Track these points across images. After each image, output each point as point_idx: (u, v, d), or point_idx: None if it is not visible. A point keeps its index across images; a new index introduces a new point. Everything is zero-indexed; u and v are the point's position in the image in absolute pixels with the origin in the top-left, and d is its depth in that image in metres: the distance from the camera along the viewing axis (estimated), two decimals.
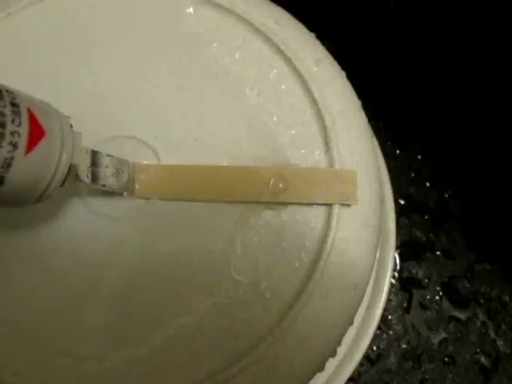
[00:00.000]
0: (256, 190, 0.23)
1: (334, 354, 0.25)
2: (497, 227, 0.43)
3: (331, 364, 0.33)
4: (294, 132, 0.24)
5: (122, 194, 0.23)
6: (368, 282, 0.25)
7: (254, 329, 0.22)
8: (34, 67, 0.25)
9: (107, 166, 0.22)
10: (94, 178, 0.21)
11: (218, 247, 0.23)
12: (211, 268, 0.23)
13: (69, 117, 0.20)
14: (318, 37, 0.28)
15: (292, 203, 0.23)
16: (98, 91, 0.25)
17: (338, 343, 0.24)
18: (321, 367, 0.24)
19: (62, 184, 0.20)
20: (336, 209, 0.23)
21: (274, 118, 0.25)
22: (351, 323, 0.25)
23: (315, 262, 0.23)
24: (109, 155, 0.22)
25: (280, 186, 0.23)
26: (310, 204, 0.23)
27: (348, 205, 0.23)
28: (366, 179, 0.25)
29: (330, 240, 0.23)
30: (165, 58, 0.25)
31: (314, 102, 0.24)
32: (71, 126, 0.20)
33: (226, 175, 0.24)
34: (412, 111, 0.45)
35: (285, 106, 0.25)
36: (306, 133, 0.24)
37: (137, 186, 0.23)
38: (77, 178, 0.21)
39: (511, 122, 0.45)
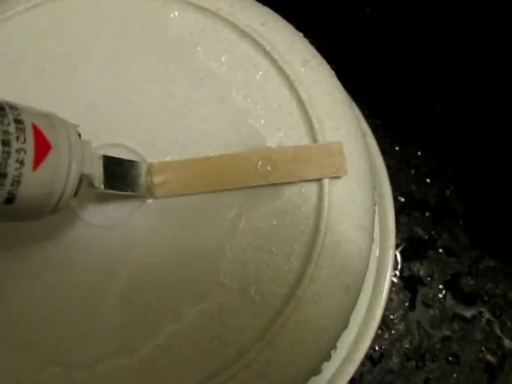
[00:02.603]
0: (245, 175, 0.23)
1: (328, 357, 0.24)
2: (500, 223, 0.43)
3: (332, 365, 0.33)
4: (281, 134, 0.24)
5: (140, 197, 0.23)
6: (362, 284, 0.25)
7: (244, 334, 0.22)
8: (20, 76, 0.25)
9: (122, 170, 0.22)
10: (110, 183, 0.21)
11: (208, 253, 0.23)
12: (200, 274, 0.23)
13: (77, 126, 0.20)
14: (312, 34, 0.27)
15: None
16: (85, 99, 0.25)
17: (333, 347, 0.24)
18: (315, 371, 0.24)
19: (76, 193, 0.20)
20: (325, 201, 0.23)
21: (262, 121, 0.24)
22: (346, 326, 0.24)
23: (304, 265, 0.22)
24: (122, 159, 0.22)
25: (268, 168, 0.23)
26: (300, 186, 0.23)
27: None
28: (356, 179, 0.25)
29: (319, 242, 0.23)
30: (151, 63, 0.25)
31: (301, 103, 0.24)
32: (79, 135, 0.20)
33: (214, 165, 0.24)
34: (411, 106, 0.45)
35: (272, 108, 0.24)
36: (293, 135, 0.24)
37: (155, 187, 0.23)
38: (92, 185, 0.21)
39: None
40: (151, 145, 0.24)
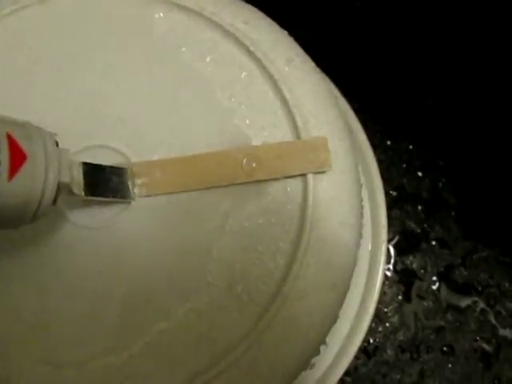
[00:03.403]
0: (231, 173, 0.24)
1: (317, 352, 0.25)
2: (492, 213, 0.43)
3: (325, 360, 0.33)
4: (266, 133, 0.24)
5: (122, 202, 0.23)
6: (349, 280, 0.25)
7: (231, 332, 0.22)
8: (6, 78, 0.25)
9: (103, 176, 0.22)
10: (91, 190, 0.22)
11: (195, 253, 0.23)
12: (188, 274, 0.23)
13: (55, 134, 0.21)
14: (302, 28, 0.27)
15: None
16: (71, 101, 0.25)
17: (321, 343, 0.24)
18: (304, 367, 0.24)
19: (55, 201, 0.20)
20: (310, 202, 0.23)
21: (247, 121, 0.24)
22: (334, 322, 0.25)
23: (290, 263, 0.23)
24: (103, 165, 0.22)
25: (253, 165, 0.24)
26: (285, 184, 0.24)
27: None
28: (342, 177, 0.25)
29: (305, 240, 0.23)
30: (136, 64, 0.26)
31: (285, 102, 0.24)
32: (57, 143, 0.20)
33: (200, 163, 0.24)
34: (402, 100, 0.45)
35: (256, 107, 0.25)
36: (278, 133, 0.24)
37: (135, 191, 0.23)
38: (72, 193, 0.21)
39: (503, 108, 0.44)
40: (137, 146, 0.24)
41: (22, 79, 0.25)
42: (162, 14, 0.26)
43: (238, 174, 0.24)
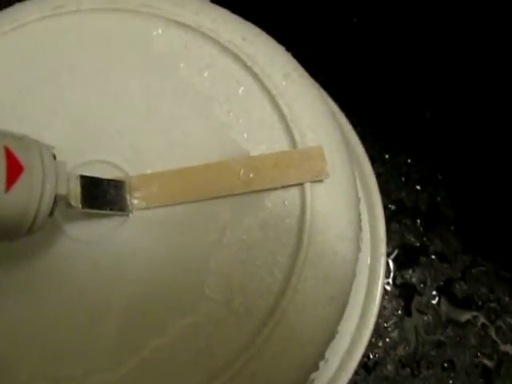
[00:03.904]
0: (228, 183, 0.24)
1: (315, 368, 0.24)
2: (491, 227, 0.43)
3: (325, 375, 0.33)
4: (264, 147, 0.24)
5: (120, 215, 0.23)
6: (347, 294, 0.25)
7: (229, 347, 0.22)
8: (7, 94, 0.25)
9: (101, 189, 0.22)
10: (88, 202, 0.22)
11: (193, 266, 0.23)
12: (185, 288, 0.23)
13: (52, 147, 0.21)
14: (301, 43, 0.28)
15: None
16: (71, 116, 0.25)
17: (320, 358, 0.24)
18: (303, 382, 0.24)
19: (51, 214, 0.20)
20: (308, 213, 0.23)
21: (244, 135, 0.25)
22: (332, 337, 0.25)
23: (288, 277, 0.23)
24: (101, 178, 0.22)
25: (251, 175, 0.24)
26: (283, 197, 0.24)
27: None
28: (339, 190, 0.25)
29: (302, 254, 0.23)
30: (135, 80, 0.26)
31: (282, 116, 0.25)
32: (54, 156, 0.21)
33: (197, 174, 0.24)
34: (400, 114, 0.45)
35: (254, 122, 0.25)
36: (276, 147, 0.24)
37: (134, 202, 0.24)
38: (69, 205, 0.21)
39: (502, 121, 0.44)
40: (136, 160, 0.24)
41: (21, 94, 0.26)
42: (160, 31, 0.26)
43: (235, 184, 0.24)
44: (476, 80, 0.46)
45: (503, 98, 0.45)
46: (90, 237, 0.23)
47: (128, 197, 0.23)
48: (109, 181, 0.23)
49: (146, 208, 0.24)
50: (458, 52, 0.46)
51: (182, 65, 0.26)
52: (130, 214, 0.23)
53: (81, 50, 0.26)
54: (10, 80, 0.26)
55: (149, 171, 0.24)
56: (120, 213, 0.23)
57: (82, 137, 0.25)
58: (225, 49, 0.26)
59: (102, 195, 0.22)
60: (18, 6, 0.28)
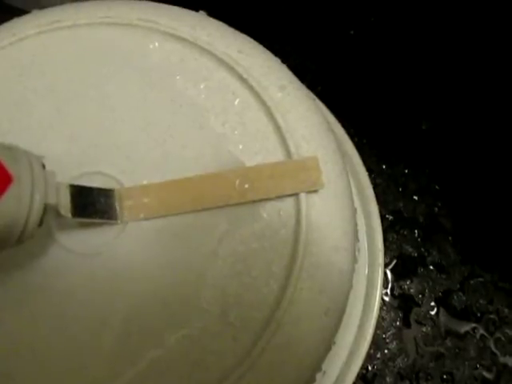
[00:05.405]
0: (224, 194, 0.24)
1: (313, 379, 0.24)
2: (489, 238, 0.43)
3: None
4: (259, 159, 0.25)
5: (110, 224, 0.23)
6: (344, 305, 0.25)
7: (225, 359, 0.22)
8: (4, 108, 0.26)
9: (91, 198, 0.22)
10: (78, 212, 0.22)
11: (188, 278, 0.23)
12: (181, 300, 0.23)
13: (42, 157, 0.21)
14: (298, 56, 0.28)
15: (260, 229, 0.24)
16: (67, 129, 0.25)
17: (316, 369, 0.24)
18: None
19: (41, 223, 0.20)
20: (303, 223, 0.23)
21: (240, 146, 0.25)
22: (329, 348, 0.24)
23: (284, 288, 0.22)
24: (90, 187, 0.23)
25: (246, 186, 0.24)
26: (278, 208, 0.24)
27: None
28: (335, 201, 0.25)
29: (298, 265, 0.23)
30: (131, 92, 0.26)
31: (277, 127, 0.25)
32: (44, 166, 0.21)
33: (193, 185, 0.24)
34: (397, 125, 0.45)
35: (250, 133, 0.25)
36: (271, 159, 0.25)
37: (124, 213, 0.24)
38: (59, 214, 0.21)
39: (498, 131, 0.45)
40: (132, 172, 0.24)
41: (19, 107, 0.26)
42: (157, 44, 0.27)
43: (231, 194, 0.24)
44: (472, 91, 0.46)
45: (499, 108, 0.45)
46: (87, 249, 0.23)
47: (117, 205, 0.23)
48: (98, 190, 0.23)
49: (142, 219, 0.24)
50: (453, 63, 0.46)
51: (178, 77, 0.26)
52: (126, 226, 0.24)
53: (78, 64, 0.27)
54: (7, 93, 0.26)
55: (145, 182, 0.24)
56: (109, 221, 0.23)
57: (78, 149, 0.25)
58: (221, 61, 0.26)
59: (91, 204, 0.22)
60: (16, 21, 0.28)
